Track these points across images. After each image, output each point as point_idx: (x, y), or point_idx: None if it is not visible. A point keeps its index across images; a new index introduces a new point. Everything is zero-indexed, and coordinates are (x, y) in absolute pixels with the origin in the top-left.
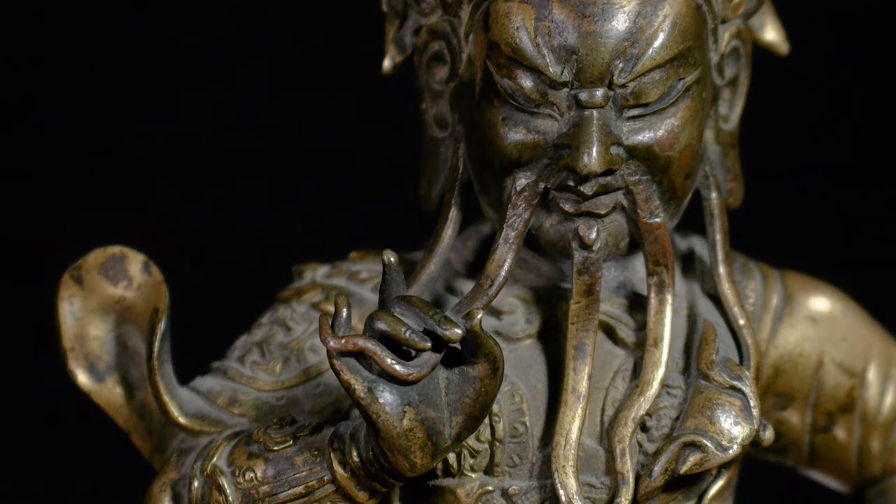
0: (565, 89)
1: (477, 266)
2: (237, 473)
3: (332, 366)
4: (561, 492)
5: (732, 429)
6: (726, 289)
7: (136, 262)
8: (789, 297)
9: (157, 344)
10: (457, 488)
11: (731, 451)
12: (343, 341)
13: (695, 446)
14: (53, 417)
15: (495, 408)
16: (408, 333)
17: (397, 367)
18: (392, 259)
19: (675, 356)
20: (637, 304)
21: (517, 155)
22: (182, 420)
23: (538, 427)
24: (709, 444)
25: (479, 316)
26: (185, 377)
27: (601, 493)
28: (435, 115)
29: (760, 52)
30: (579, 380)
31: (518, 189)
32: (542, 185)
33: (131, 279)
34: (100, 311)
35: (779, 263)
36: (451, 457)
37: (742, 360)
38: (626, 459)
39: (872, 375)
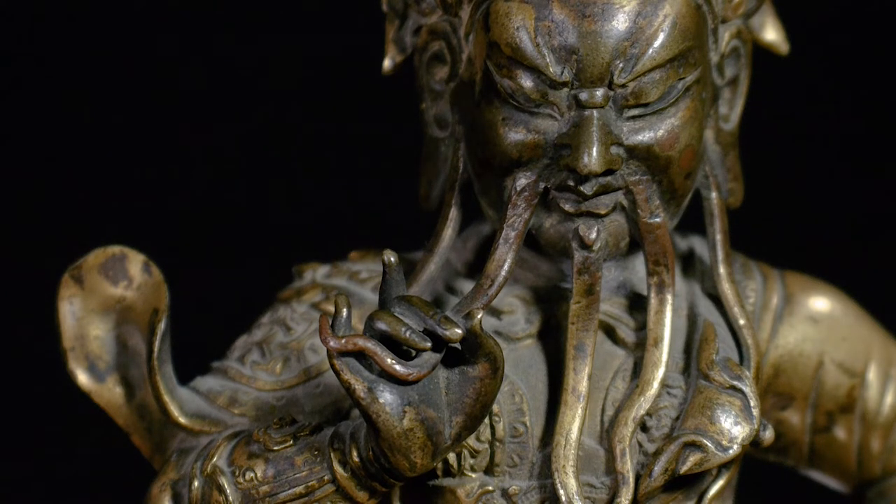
0: (565, 89)
1: (477, 266)
2: (237, 473)
3: (332, 366)
4: (561, 492)
5: (732, 429)
6: (726, 289)
7: (136, 262)
8: (789, 297)
9: (157, 344)
10: (457, 488)
11: (731, 451)
12: (343, 341)
13: (695, 446)
14: (54, 417)
15: (495, 408)
16: (408, 333)
17: (397, 367)
18: (392, 259)
19: (675, 356)
20: (637, 304)
21: (517, 155)
22: (182, 420)
23: (538, 427)
24: (709, 444)
25: (479, 316)
26: (185, 377)
27: (601, 493)
28: (435, 115)
29: (760, 52)
30: (579, 380)
31: (518, 189)
32: (542, 185)
33: (131, 279)
34: (100, 311)
35: (779, 263)
36: (452, 457)
37: (742, 359)
38: (626, 459)
39: (872, 375)
